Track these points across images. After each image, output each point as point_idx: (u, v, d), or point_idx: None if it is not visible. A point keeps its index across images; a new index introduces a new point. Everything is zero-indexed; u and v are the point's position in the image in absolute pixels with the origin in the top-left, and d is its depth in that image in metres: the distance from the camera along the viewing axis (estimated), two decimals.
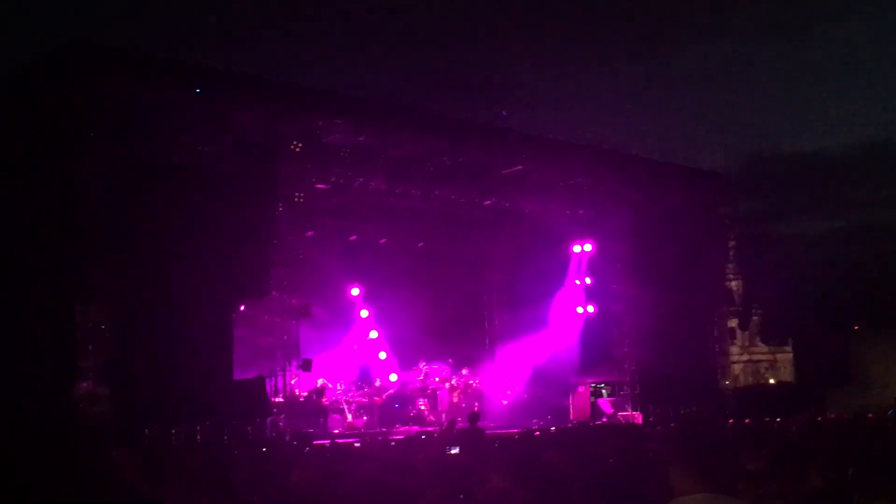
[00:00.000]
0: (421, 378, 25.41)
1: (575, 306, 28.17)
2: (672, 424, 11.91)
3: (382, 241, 27.00)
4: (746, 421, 18.67)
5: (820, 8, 64.94)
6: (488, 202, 25.64)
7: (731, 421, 20.29)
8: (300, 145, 20.57)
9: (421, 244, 27.99)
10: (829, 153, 57.60)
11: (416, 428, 22.95)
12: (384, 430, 22.97)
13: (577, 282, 28.25)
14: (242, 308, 22.15)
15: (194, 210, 18.85)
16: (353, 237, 26.12)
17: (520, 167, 24.54)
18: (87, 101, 17.82)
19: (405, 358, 26.27)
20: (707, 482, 3.72)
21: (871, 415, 19.82)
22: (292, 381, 21.15)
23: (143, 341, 18.07)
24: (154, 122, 18.81)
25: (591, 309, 28.24)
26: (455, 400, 25.07)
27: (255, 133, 20.03)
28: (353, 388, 24.33)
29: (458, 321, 28.75)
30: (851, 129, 78.04)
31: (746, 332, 35.42)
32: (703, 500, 3.69)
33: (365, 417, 23.81)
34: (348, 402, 23.69)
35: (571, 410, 27.07)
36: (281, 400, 20.51)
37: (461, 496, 5.74)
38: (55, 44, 18.71)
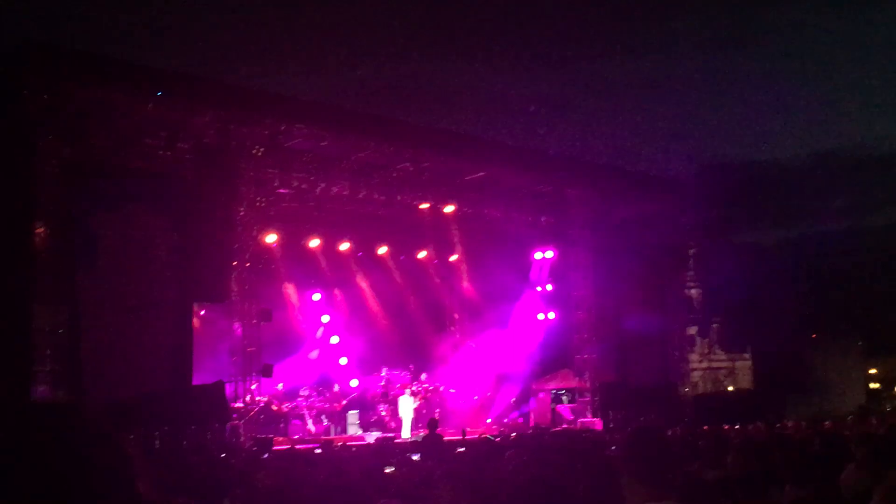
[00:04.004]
0: (382, 384, 25.33)
1: (536, 313, 28.28)
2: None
3: (345, 246, 26.91)
4: (705, 428, 18.77)
5: (770, 19, 65.77)
6: (451, 208, 25.64)
7: (689, 429, 20.41)
8: (262, 150, 20.50)
9: (383, 250, 27.94)
10: (783, 163, 58.20)
11: (376, 434, 22.88)
12: (344, 435, 22.87)
13: (539, 288, 28.36)
14: (203, 312, 22.01)
15: (153, 213, 18.71)
16: (316, 242, 26.01)
17: (482, 173, 24.60)
18: (42, 104, 17.59)
19: (366, 364, 26.19)
20: (658, 490, 3.74)
21: (828, 423, 20.06)
22: (252, 387, 21.00)
23: (102, 345, 17.87)
24: (111, 125, 18.64)
25: (552, 315, 28.37)
26: (415, 406, 25.02)
27: (216, 137, 19.90)
28: (314, 393, 24.20)
29: (420, 327, 28.73)
30: (803, 139, 79.01)
31: (706, 340, 35.76)
32: None
33: (325, 423, 23.70)
34: (309, 408, 23.57)
35: (532, 416, 27.15)
36: (241, 405, 20.37)
37: (419, 500, 5.75)
38: (8, 45, 18.37)
